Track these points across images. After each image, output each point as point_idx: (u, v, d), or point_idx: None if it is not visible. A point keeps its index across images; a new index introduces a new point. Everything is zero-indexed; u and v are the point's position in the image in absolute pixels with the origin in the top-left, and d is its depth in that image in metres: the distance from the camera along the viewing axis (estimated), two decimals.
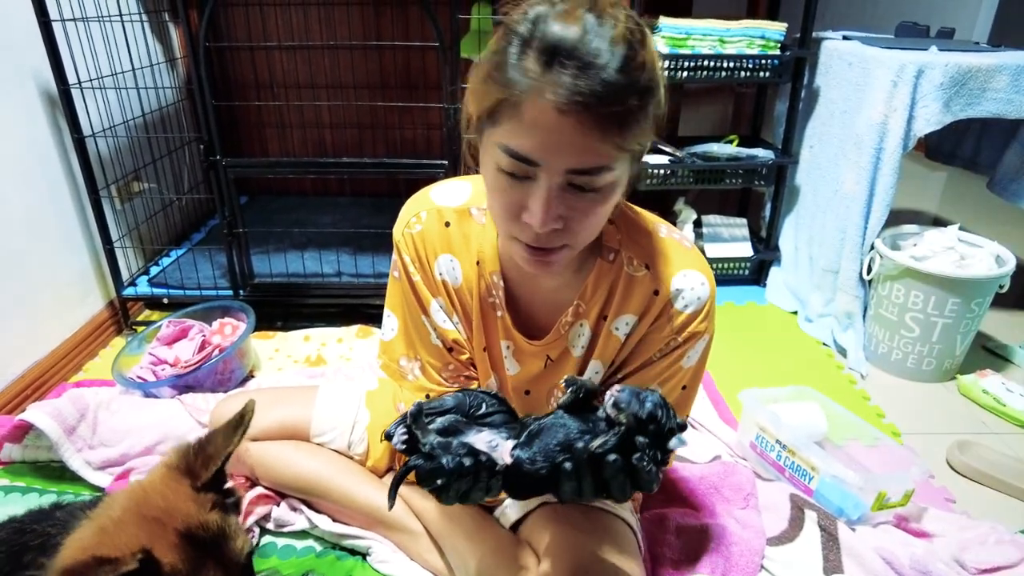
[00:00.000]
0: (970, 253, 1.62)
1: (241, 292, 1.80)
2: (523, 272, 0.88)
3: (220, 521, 0.66)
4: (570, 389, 0.74)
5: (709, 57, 1.82)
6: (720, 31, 1.81)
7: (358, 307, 1.85)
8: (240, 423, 0.71)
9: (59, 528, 0.70)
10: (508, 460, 0.73)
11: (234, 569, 0.65)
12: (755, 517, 1.16)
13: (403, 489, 1.08)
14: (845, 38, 1.91)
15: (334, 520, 1.14)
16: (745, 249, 2.14)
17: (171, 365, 1.53)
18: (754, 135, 2.28)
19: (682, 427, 0.71)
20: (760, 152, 2.03)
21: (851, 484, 1.15)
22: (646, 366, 0.90)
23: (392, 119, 2.27)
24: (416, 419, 0.75)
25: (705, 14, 1.86)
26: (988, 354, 1.78)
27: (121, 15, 1.78)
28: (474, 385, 1.00)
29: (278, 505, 1.17)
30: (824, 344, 1.83)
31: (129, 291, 1.82)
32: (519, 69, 0.66)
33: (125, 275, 1.81)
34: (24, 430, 1.30)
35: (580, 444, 0.70)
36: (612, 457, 0.68)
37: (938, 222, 2.24)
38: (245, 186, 2.48)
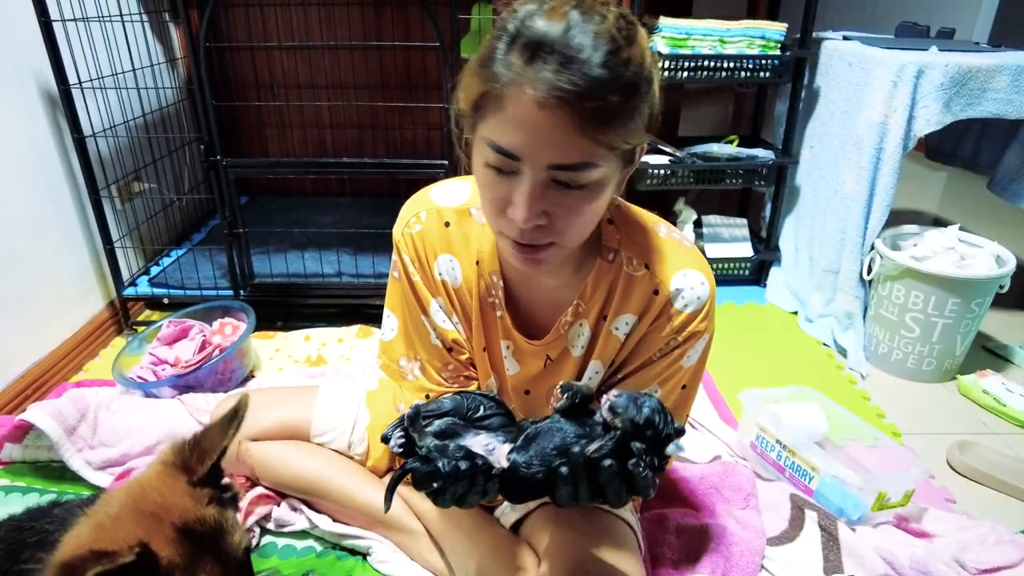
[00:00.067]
0: (970, 253, 1.62)
1: (241, 292, 1.80)
2: (522, 272, 0.88)
3: (217, 516, 0.66)
4: (566, 395, 0.74)
5: (709, 57, 1.82)
6: (720, 31, 1.81)
7: (358, 307, 1.85)
8: (234, 417, 0.72)
9: (57, 525, 0.70)
10: (504, 464, 0.73)
11: (232, 563, 0.65)
12: (755, 517, 1.16)
13: (403, 489, 1.08)
14: (845, 38, 1.91)
15: (334, 520, 1.14)
16: (745, 249, 2.14)
17: (171, 365, 1.53)
18: (754, 135, 2.28)
19: (680, 432, 0.71)
20: (760, 152, 2.03)
21: (851, 484, 1.15)
22: (646, 366, 0.90)
23: (392, 119, 2.27)
24: (413, 422, 0.75)
25: (705, 14, 1.86)
26: (988, 354, 1.78)
27: (122, 15, 1.79)
28: (473, 385, 1.00)
29: (278, 505, 1.17)
30: (824, 344, 1.83)
31: (129, 291, 1.82)
32: (504, 63, 0.66)
33: (125, 275, 1.81)
34: (24, 430, 1.30)
35: (576, 448, 0.70)
36: (608, 462, 0.67)
37: (938, 222, 2.24)
38: (245, 186, 2.48)
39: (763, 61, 1.84)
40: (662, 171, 1.94)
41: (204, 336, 1.60)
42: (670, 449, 0.69)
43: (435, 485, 0.71)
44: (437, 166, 1.62)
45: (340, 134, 2.36)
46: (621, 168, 0.73)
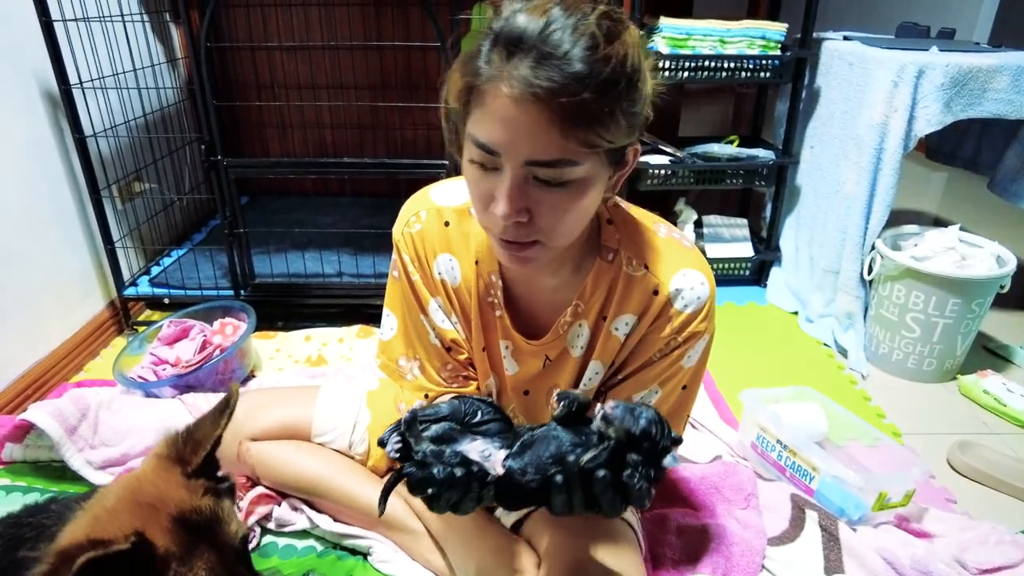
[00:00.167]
0: (971, 253, 1.62)
1: (242, 292, 1.80)
2: (521, 271, 0.88)
3: (213, 506, 0.67)
4: (562, 403, 0.73)
5: (710, 57, 1.82)
6: (721, 31, 1.81)
7: (359, 307, 1.85)
8: (226, 407, 0.72)
9: (54, 519, 0.71)
10: (500, 471, 0.72)
11: (229, 553, 0.65)
12: (756, 517, 1.16)
13: (403, 489, 1.08)
14: (846, 38, 1.91)
15: (335, 520, 1.14)
16: (746, 249, 2.14)
17: (172, 365, 1.53)
18: (755, 135, 2.28)
19: (677, 442, 0.70)
20: (761, 152, 2.03)
21: (852, 484, 1.15)
22: (646, 366, 0.90)
23: (393, 119, 2.27)
24: (410, 426, 0.75)
25: (706, 14, 1.86)
26: (989, 354, 1.78)
27: (123, 15, 1.79)
28: (473, 385, 1.00)
29: (279, 505, 1.17)
30: (825, 344, 1.83)
31: (130, 291, 1.82)
32: (485, 59, 0.67)
33: (126, 275, 1.81)
34: (25, 430, 1.30)
35: (572, 458, 0.70)
36: (601, 473, 0.67)
37: (939, 222, 2.24)
38: (246, 186, 2.48)
39: (763, 61, 1.84)
40: (662, 171, 1.94)
41: (205, 336, 1.60)
42: (667, 461, 0.69)
43: (430, 491, 0.70)
44: (437, 166, 1.63)
45: (341, 134, 2.36)
46: (609, 168, 0.73)
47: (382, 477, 1.13)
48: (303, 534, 1.16)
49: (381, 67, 2.25)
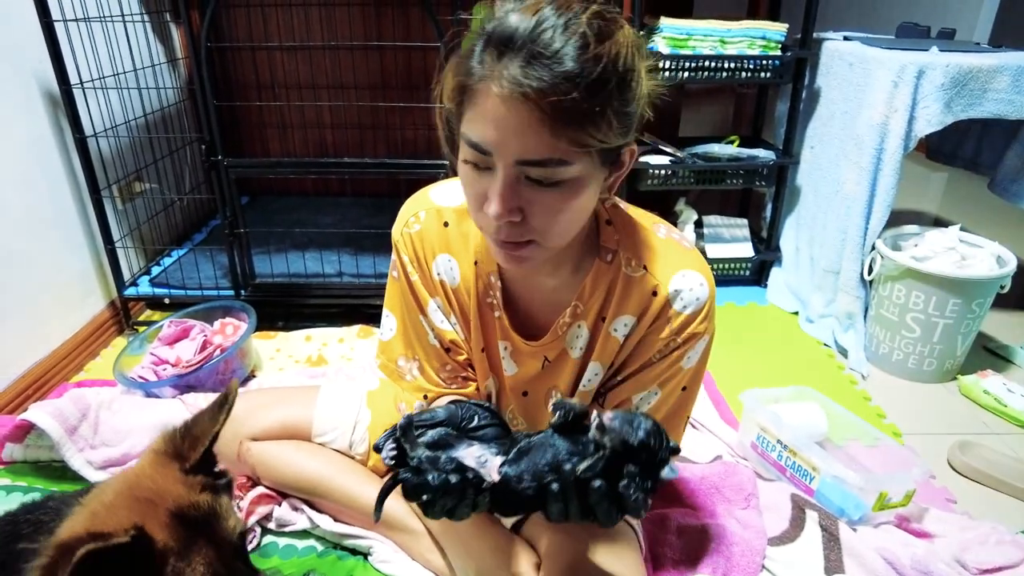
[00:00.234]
0: (971, 253, 1.62)
1: (242, 292, 1.80)
2: (519, 272, 0.88)
3: (211, 501, 0.67)
4: (558, 413, 0.73)
5: (710, 58, 1.82)
6: (721, 32, 1.81)
7: (359, 307, 1.85)
8: (224, 403, 0.72)
9: (51, 515, 0.71)
10: (496, 477, 0.72)
11: (227, 547, 0.65)
12: (756, 517, 1.16)
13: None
14: (846, 39, 1.91)
15: (335, 520, 1.14)
16: (746, 250, 2.14)
17: (172, 365, 1.53)
18: (755, 136, 2.28)
19: (675, 452, 0.70)
20: (761, 153, 2.03)
21: (852, 484, 1.15)
22: (646, 367, 0.90)
23: (393, 119, 2.27)
24: (405, 432, 0.75)
25: (706, 15, 1.86)
26: (989, 354, 1.78)
27: (123, 15, 1.79)
28: (472, 386, 1.00)
29: (279, 505, 1.17)
30: (825, 344, 1.83)
31: (130, 291, 1.82)
32: (478, 59, 0.67)
33: (126, 275, 1.81)
34: (26, 430, 1.30)
35: (568, 466, 0.69)
36: (597, 483, 0.67)
37: (939, 223, 2.24)
38: (246, 186, 2.48)
39: (764, 61, 1.84)
40: (663, 171, 1.94)
41: (205, 336, 1.60)
42: (665, 473, 0.68)
43: (424, 498, 0.70)
44: (438, 166, 1.63)
45: (341, 134, 2.36)
46: (604, 169, 0.73)
47: (382, 477, 1.13)
48: (303, 534, 1.16)
49: (381, 67, 2.25)
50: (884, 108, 1.64)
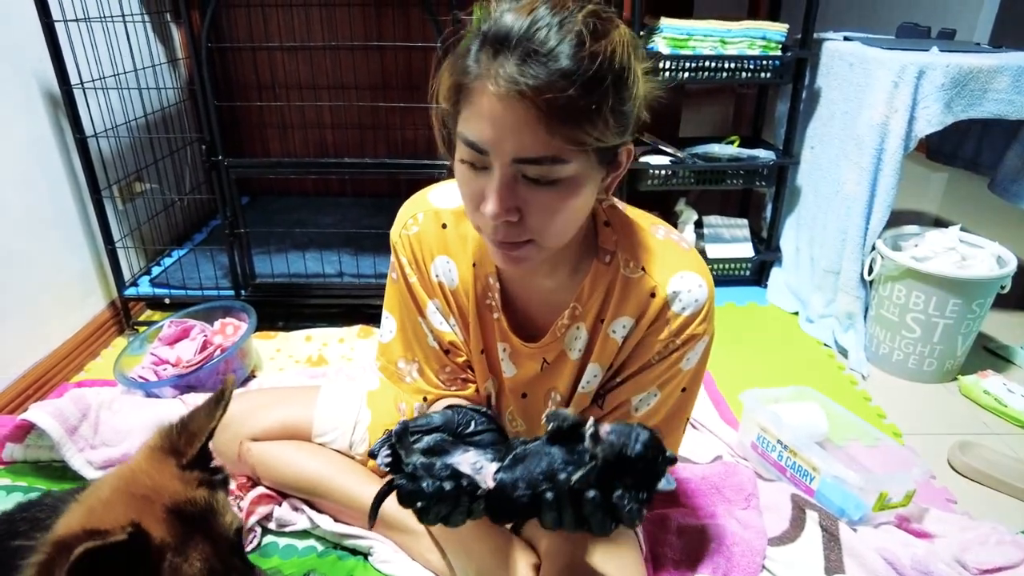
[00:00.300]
0: (971, 254, 1.62)
1: (243, 292, 1.80)
2: (517, 273, 0.87)
3: (208, 497, 0.67)
4: (551, 425, 0.72)
5: (710, 58, 1.82)
6: (721, 32, 1.81)
7: (359, 307, 1.85)
8: (220, 399, 0.72)
9: (48, 512, 0.71)
10: (491, 484, 0.72)
11: (223, 543, 0.65)
12: (756, 517, 1.16)
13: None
14: (846, 39, 1.91)
15: (336, 520, 1.14)
16: (746, 250, 2.14)
17: (173, 365, 1.53)
18: (755, 136, 2.28)
19: (672, 461, 0.70)
20: (761, 153, 2.03)
21: (852, 484, 1.15)
22: (645, 369, 0.90)
23: (393, 119, 2.27)
24: (400, 438, 0.74)
25: (706, 15, 1.87)
26: (989, 355, 1.78)
27: (123, 16, 1.79)
28: (471, 387, 1.00)
29: (280, 505, 1.17)
30: (825, 345, 1.83)
31: (131, 291, 1.83)
32: (474, 58, 0.68)
33: (127, 275, 1.81)
34: (26, 430, 1.30)
35: (563, 475, 0.69)
36: (591, 494, 0.67)
37: (939, 223, 2.24)
38: (247, 186, 2.48)
39: (764, 62, 1.85)
40: (663, 172, 1.94)
41: (205, 336, 1.60)
42: (661, 484, 0.68)
43: (419, 505, 0.70)
44: (438, 166, 1.63)
45: (341, 134, 2.36)
46: (601, 169, 0.73)
47: (382, 478, 1.14)
48: (304, 534, 1.16)
49: (382, 67, 2.25)
50: (884, 108, 1.64)
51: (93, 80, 1.66)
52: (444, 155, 0.79)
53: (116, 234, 1.75)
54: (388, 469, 0.74)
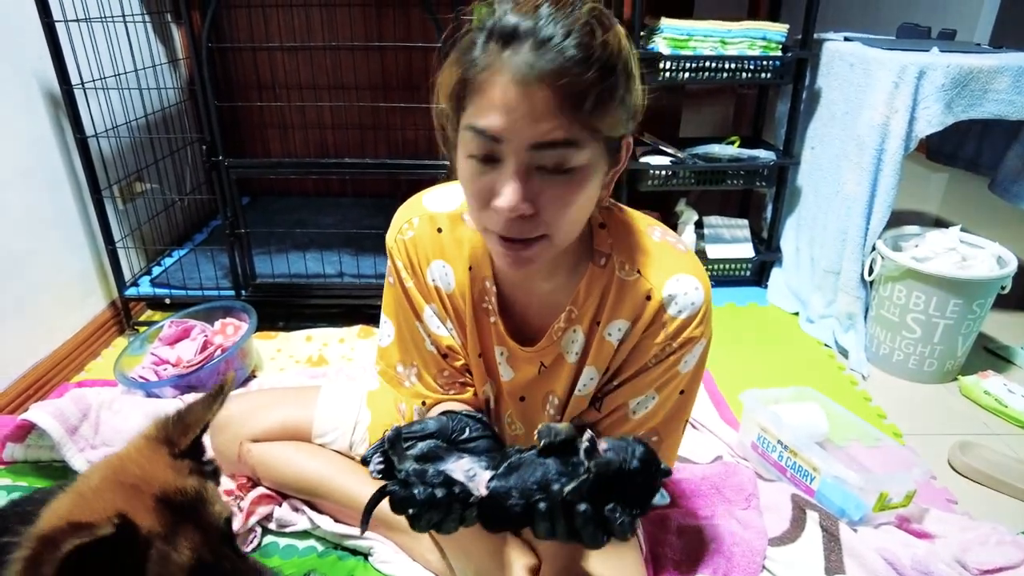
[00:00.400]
0: (972, 254, 1.62)
1: (243, 292, 1.81)
2: (516, 276, 0.87)
3: (198, 486, 0.67)
4: (544, 441, 0.72)
5: (710, 58, 1.82)
6: (721, 32, 1.81)
7: (360, 307, 1.85)
8: (219, 393, 0.72)
9: (37, 506, 0.70)
10: (484, 492, 0.71)
11: (213, 532, 0.65)
12: (756, 518, 1.16)
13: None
14: (846, 39, 1.91)
15: (336, 520, 1.14)
16: (746, 250, 2.14)
17: (173, 365, 1.53)
18: (755, 136, 2.28)
19: (667, 474, 0.70)
20: (761, 153, 2.03)
21: (852, 485, 1.15)
22: (642, 372, 0.89)
23: (394, 120, 2.27)
24: (393, 444, 0.74)
25: (706, 15, 1.87)
26: (990, 355, 1.78)
27: (124, 16, 1.79)
28: (470, 391, 0.99)
29: (280, 505, 1.17)
30: (825, 345, 1.83)
31: (131, 291, 1.83)
32: (481, 49, 0.68)
33: (127, 275, 1.81)
34: (26, 430, 1.30)
35: (556, 486, 0.69)
36: (583, 507, 0.67)
37: (940, 223, 2.24)
38: (247, 187, 2.48)
39: (764, 62, 1.85)
40: (663, 172, 1.94)
41: (206, 336, 1.60)
42: (655, 500, 0.68)
43: (410, 511, 0.69)
44: (439, 166, 1.63)
45: (342, 135, 2.36)
46: (606, 161, 0.73)
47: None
48: (304, 534, 1.16)
49: (382, 67, 2.25)
50: (885, 109, 1.64)
51: (94, 80, 1.66)
52: (445, 155, 0.79)
53: (116, 234, 1.75)
54: (380, 476, 0.74)
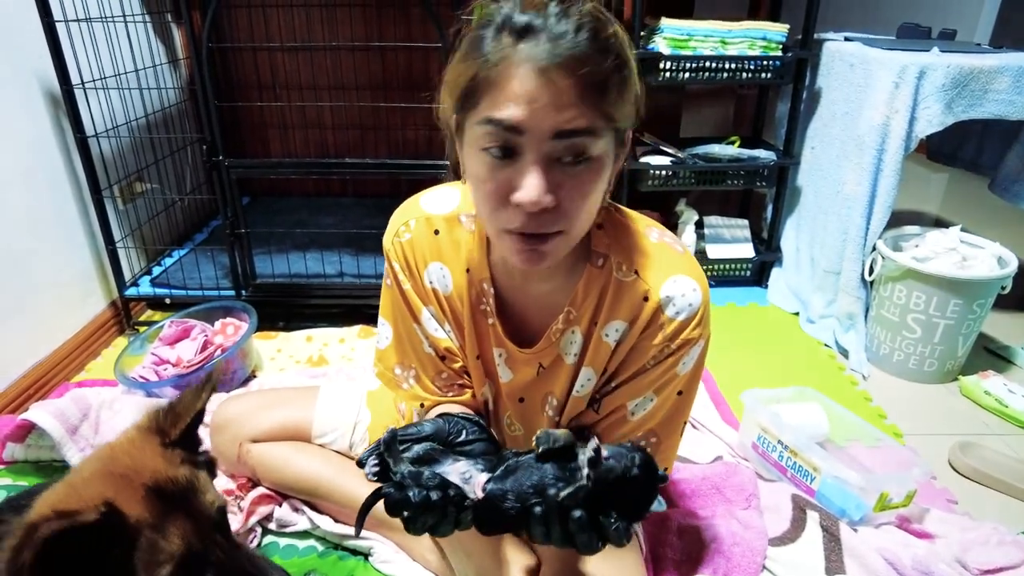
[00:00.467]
0: (972, 254, 1.62)
1: (243, 292, 1.81)
2: (514, 278, 0.87)
3: (189, 475, 0.67)
4: (542, 447, 0.71)
5: (711, 58, 1.82)
6: (722, 32, 1.81)
7: (360, 307, 1.85)
8: (208, 381, 0.73)
9: (32, 498, 0.71)
10: (480, 494, 0.71)
11: (205, 521, 0.65)
12: (757, 518, 1.16)
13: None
14: (847, 39, 1.91)
15: (336, 521, 1.14)
16: (747, 250, 2.14)
17: (173, 365, 1.53)
18: (755, 136, 2.28)
19: (663, 479, 0.70)
20: (761, 153, 2.03)
21: (853, 485, 1.15)
22: (640, 373, 0.89)
23: (394, 120, 2.27)
24: (388, 446, 0.73)
25: (707, 15, 1.87)
26: (990, 355, 1.78)
27: (124, 16, 1.79)
28: (468, 393, 0.99)
29: (280, 506, 1.17)
30: (826, 345, 1.83)
31: (131, 291, 1.83)
32: (494, 44, 0.68)
33: (127, 275, 1.81)
34: (27, 430, 1.30)
35: (552, 491, 0.69)
36: (577, 514, 0.66)
37: (940, 223, 2.24)
38: (247, 187, 2.49)
39: (764, 62, 1.85)
40: (663, 172, 1.94)
41: (206, 336, 1.60)
42: (653, 506, 0.69)
43: (405, 514, 0.69)
44: (439, 167, 1.63)
45: (342, 135, 2.36)
46: (615, 151, 0.74)
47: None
48: (304, 534, 1.16)
49: (383, 67, 2.25)
50: (885, 109, 1.64)
51: (94, 80, 1.66)
52: (447, 155, 0.79)
53: (117, 234, 1.75)
54: (375, 479, 0.74)
